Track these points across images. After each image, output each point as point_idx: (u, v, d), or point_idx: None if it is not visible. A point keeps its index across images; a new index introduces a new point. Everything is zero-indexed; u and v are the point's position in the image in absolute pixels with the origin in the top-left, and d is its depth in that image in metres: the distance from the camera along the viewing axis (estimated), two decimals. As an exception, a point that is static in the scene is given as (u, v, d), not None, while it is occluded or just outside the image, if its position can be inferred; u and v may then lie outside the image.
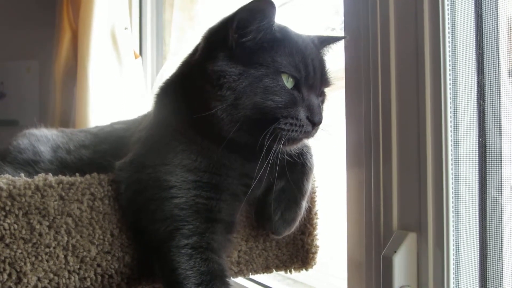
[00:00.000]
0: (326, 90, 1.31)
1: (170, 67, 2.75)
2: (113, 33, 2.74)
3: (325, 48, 1.34)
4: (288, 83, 1.17)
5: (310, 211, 1.47)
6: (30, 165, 1.55)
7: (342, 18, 1.59)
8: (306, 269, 1.55)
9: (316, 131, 1.22)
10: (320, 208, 1.53)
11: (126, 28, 2.83)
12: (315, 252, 1.53)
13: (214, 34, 1.22)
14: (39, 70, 3.61)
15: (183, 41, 2.87)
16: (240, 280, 2.18)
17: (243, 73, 1.14)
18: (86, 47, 2.63)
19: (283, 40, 1.19)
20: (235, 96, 1.13)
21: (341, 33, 1.63)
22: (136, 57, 2.90)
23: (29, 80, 3.63)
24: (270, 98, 1.14)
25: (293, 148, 1.24)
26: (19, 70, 3.66)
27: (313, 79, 1.22)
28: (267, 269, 1.50)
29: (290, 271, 1.55)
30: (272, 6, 1.13)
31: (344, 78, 1.56)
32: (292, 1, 2.31)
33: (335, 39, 1.37)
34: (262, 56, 1.16)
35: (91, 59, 2.62)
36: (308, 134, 1.21)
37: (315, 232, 1.52)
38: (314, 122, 1.19)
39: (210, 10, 2.78)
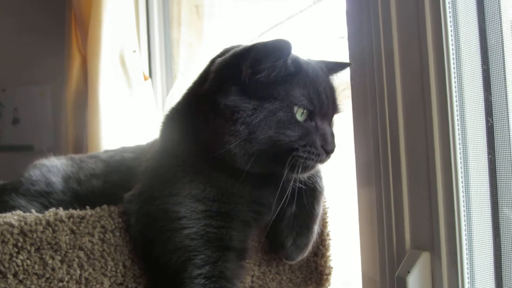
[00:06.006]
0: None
1: (179, 87, 2.76)
2: (121, 57, 2.75)
3: (331, 76, 1.33)
4: (303, 115, 1.17)
5: (322, 233, 1.46)
6: (44, 197, 1.55)
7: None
8: (320, 291, 1.54)
9: (329, 158, 1.22)
10: (332, 228, 1.53)
11: (134, 51, 2.83)
12: (329, 274, 1.52)
13: (226, 67, 1.20)
14: (51, 94, 3.61)
15: (192, 58, 2.88)
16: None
17: (258, 107, 1.13)
18: (96, 72, 2.65)
19: (296, 74, 1.18)
20: (249, 131, 1.13)
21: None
22: (145, 79, 2.91)
23: (43, 105, 3.64)
24: (282, 132, 1.14)
25: (307, 175, 1.24)
26: (32, 95, 3.67)
27: (326, 108, 1.22)
28: (281, 292, 1.49)
29: (305, 294, 1.54)
30: (288, 45, 1.12)
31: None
32: (303, 11, 2.32)
33: (340, 67, 1.36)
34: (276, 90, 1.15)
35: (101, 83, 2.63)
36: (322, 162, 1.21)
37: (328, 254, 1.51)
38: (328, 151, 1.19)
39: (217, 26, 2.79)
